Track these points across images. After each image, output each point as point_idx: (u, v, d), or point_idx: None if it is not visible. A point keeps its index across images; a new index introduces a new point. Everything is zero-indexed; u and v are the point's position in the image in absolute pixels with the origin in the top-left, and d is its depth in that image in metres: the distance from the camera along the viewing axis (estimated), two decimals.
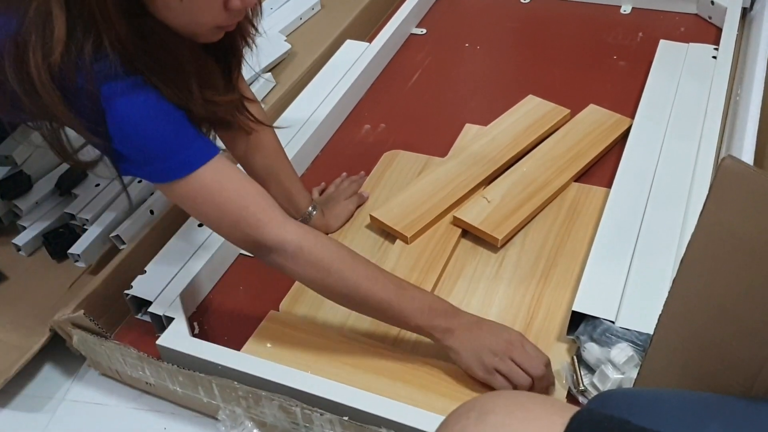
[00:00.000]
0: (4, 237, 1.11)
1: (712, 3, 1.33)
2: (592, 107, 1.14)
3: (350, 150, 1.18)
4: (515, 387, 0.75)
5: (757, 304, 0.49)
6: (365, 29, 1.47)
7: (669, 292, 0.54)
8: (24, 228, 1.10)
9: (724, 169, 0.49)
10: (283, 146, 1.12)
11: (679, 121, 1.06)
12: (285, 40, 1.45)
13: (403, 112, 1.25)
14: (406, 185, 1.05)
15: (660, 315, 0.55)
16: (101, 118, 0.69)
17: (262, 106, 1.29)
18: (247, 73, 1.31)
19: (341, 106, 1.23)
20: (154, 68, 0.71)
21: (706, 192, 0.93)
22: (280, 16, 1.52)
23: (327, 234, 1.01)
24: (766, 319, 0.49)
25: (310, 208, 1.00)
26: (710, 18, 1.35)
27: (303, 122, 1.18)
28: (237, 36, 0.84)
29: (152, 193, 1.12)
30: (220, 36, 0.76)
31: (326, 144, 1.20)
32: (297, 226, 0.76)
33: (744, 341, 0.50)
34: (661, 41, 1.25)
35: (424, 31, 1.44)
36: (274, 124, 1.17)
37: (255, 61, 1.36)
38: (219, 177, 0.74)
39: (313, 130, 1.16)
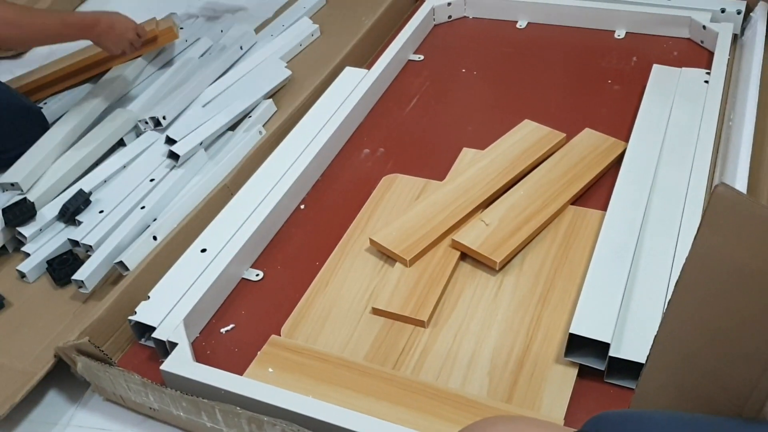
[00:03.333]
0: (8, 264, 1.12)
1: (704, 28, 1.36)
2: (587, 131, 1.16)
3: (350, 174, 1.20)
4: None
5: (749, 328, 0.51)
6: (364, 56, 1.49)
7: (664, 316, 0.55)
8: (28, 255, 1.11)
9: (717, 195, 0.50)
10: (285, 171, 1.15)
11: (673, 145, 1.08)
12: (285, 67, 1.48)
13: (402, 136, 1.27)
14: (405, 209, 1.07)
15: (655, 338, 0.56)
16: None
17: (263, 131, 1.32)
18: (249, 98, 1.35)
19: (341, 131, 1.25)
20: None
21: (698, 215, 0.96)
22: (280, 42, 1.54)
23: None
24: (758, 342, 0.50)
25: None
26: (702, 42, 1.37)
27: (304, 147, 1.20)
28: None
29: (155, 219, 1.14)
30: None
31: (327, 168, 1.22)
32: None
33: (737, 364, 0.51)
34: (654, 65, 1.27)
35: (422, 57, 1.46)
36: (276, 150, 1.20)
37: (256, 86, 1.40)
38: None
39: (313, 155, 1.18)
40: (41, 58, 1.67)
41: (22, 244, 1.13)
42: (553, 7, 1.48)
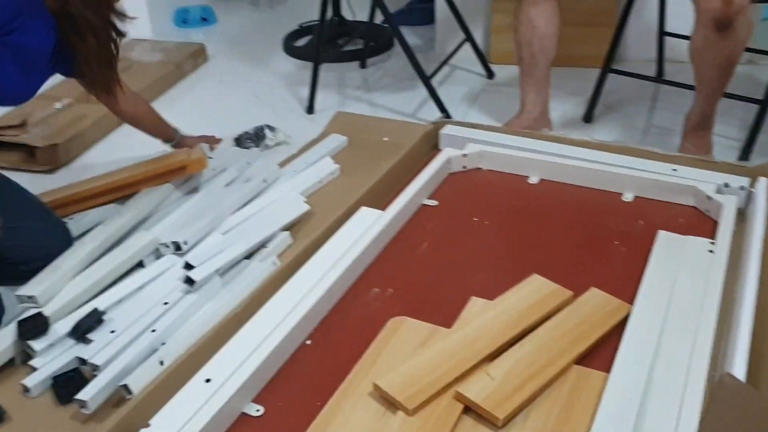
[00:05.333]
0: (14, 376, 1.13)
1: (709, 198, 1.41)
2: (593, 291, 1.19)
3: (358, 312, 1.22)
4: None
5: None
6: (380, 197, 1.55)
7: None
8: (35, 369, 1.12)
9: (721, 386, 0.52)
10: (295, 305, 1.17)
11: (677, 313, 1.11)
12: (304, 201, 1.54)
13: (411, 278, 1.30)
14: (410, 354, 1.08)
15: None
16: None
17: (277, 262, 1.36)
18: (267, 230, 1.41)
19: (353, 268, 1.29)
20: None
21: (701, 386, 0.96)
22: (302, 178, 1.61)
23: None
24: None
25: (176, 132, 1.71)
26: (708, 212, 1.42)
27: (315, 283, 1.23)
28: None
29: (163, 344, 1.16)
30: None
31: (335, 304, 1.24)
32: None
33: None
34: (660, 232, 1.32)
35: (436, 203, 1.52)
36: (288, 283, 1.22)
37: (275, 218, 1.45)
38: None
39: (324, 291, 1.20)
40: (72, 175, 1.75)
41: (31, 357, 1.14)
42: (564, 167, 1.55)
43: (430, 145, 1.76)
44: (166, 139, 1.72)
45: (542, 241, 1.39)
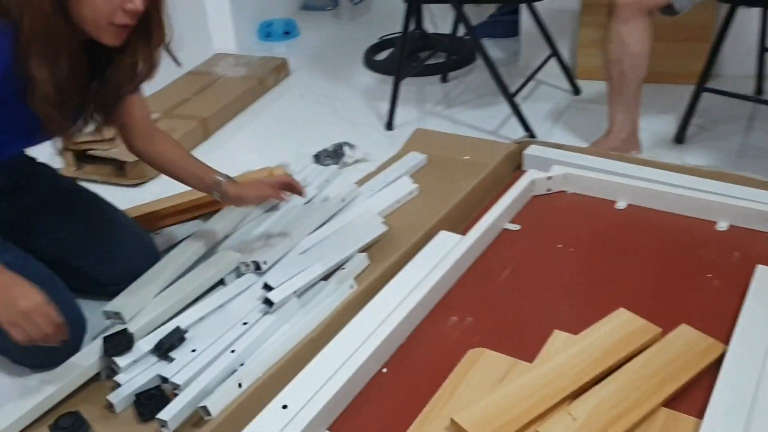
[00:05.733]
0: (99, 391, 1.16)
1: None
2: (683, 327, 1.13)
3: (435, 341, 1.20)
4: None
5: None
6: (460, 219, 1.52)
7: None
8: (119, 385, 1.15)
9: None
10: (372, 331, 1.16)
11: None
12: (382, 222, 1.53)
13: (491, 307, 1.27)
14: (489, 388, 1.05)
15: None
16: None
17: (354, 285, 1.35)
18: (344, 251, 1.40)
19: (431, 295, 1.26)
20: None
21: None
22: (380, 198, 1.60)
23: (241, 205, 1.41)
24: None
25: (216, 177, 1.32)
26: None
27: (393, 309, 1.21)
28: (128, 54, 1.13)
29: (242, 365, 1.17)
30: (119, 41, 1.05)
31: (412, 332, 1.22)
32: None
33: None
34: (759, 267, 1.24)
35: (519, 227, 1.48)
36: (365, 308, 1.21)
37: (353, 239, 1.45)
38: None
39: (401, 317, 1.19)
40: (159, 188, 1.79)
41: (115, 372, 1.18)
42: (654, 192, 1.48)
43: (513, 165, 1.72)
44: (206, 188, 1.34)
45: (629, 272, 1.33)
